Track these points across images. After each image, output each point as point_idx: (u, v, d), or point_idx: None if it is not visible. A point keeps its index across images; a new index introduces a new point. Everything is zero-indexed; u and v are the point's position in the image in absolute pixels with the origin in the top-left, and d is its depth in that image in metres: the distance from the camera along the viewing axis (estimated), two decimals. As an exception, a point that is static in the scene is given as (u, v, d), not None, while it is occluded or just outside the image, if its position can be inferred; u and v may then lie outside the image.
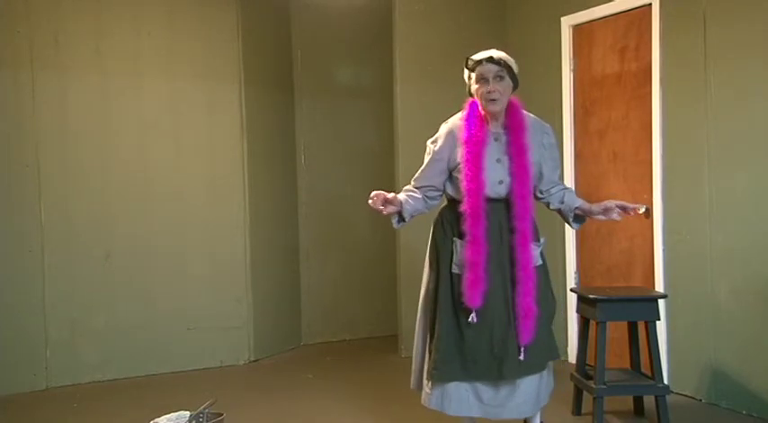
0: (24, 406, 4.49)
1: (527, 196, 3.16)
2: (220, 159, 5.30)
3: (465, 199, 3.12)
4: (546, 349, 3.24)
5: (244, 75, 5.35)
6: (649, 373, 3.89)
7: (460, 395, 3.18)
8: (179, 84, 5.17)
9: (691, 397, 4.30)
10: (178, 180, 5.19)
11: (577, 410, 4.06)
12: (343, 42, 6.15)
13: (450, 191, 3.29)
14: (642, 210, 4.35)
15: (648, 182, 4.53)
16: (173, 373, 5.14)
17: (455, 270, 3.19)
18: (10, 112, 4.74)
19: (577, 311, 4.18)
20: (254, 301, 5.42)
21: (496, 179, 3.15)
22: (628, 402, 4.13)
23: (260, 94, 5.51)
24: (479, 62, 3.15)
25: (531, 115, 3.30)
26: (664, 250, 4.43)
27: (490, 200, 3.13)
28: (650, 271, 4.53)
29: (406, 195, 3.27)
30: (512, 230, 3.15)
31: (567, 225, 3.43)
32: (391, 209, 3.16)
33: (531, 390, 3.22)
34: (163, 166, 5.15)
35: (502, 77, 3.14)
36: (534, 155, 3.20)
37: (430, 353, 3.25)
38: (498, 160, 3.16)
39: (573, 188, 4.89)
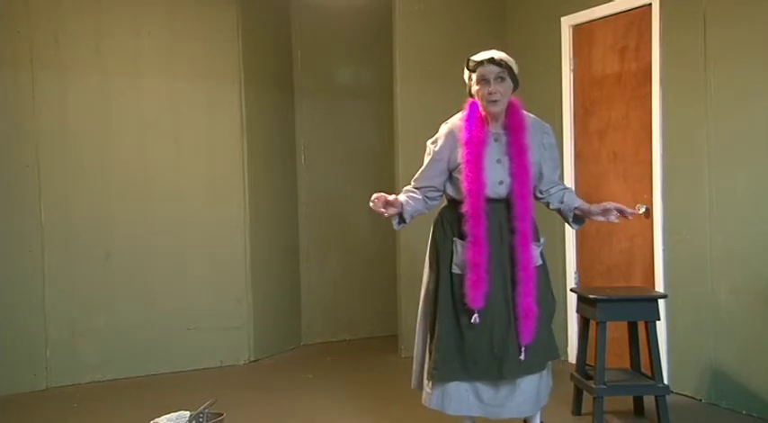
0: (24, 406, 4.49)
1: (527, 196, 3.17)
2: (220, 159, 5.30)
3: (466, 200, 3.12)
4: (546, 349, 3.25)
5: (244, 75, 5.35)
6: (649, 373, 3.89)
7: (460, 395, 3.19)
8: (179, 84, 5.17)
9: (691, 397, 4.31)
10: (178, 180, 5.19)
11: (577, 410, 4.06)
12: (343, 42, 6.15)
13: (450, 191, 3.29)
14: (642, 210, 4.36)
15: (648, 182, 4.53)
16: (173, 373, 5.13)
17: (455, 270, 3.19)
18: (10, 112, 4.74)
19: (577, 311, 4.18)
20: (254, 301, 5.42)
21: (497, 180, 3.15)
22: (628, 402, 4.13)
23: (260, 94, 5.51)
24: (480, 63, 3.15)
25: (531, 115, 3.30)
26: (664, 250, 4.43)
27: (490, 200, 3.14)
28: (650, 271, 4.54)
29: (406, 196, 3.27)
30: (512, 231, 3.15)
31: (566, 225, 3.44)
32: (392, 211, 3.16)
33: (530, 389, 3.22)
34: (163, 166, 5.15)
35: (503, 79, 3.14)
36: (534, 155, 3.20)
37: (430, 353, 3.25)
38: (498, 161, 3.17)
39: (573, 188, 4.90)
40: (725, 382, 4.12)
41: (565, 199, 3.30)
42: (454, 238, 3.22)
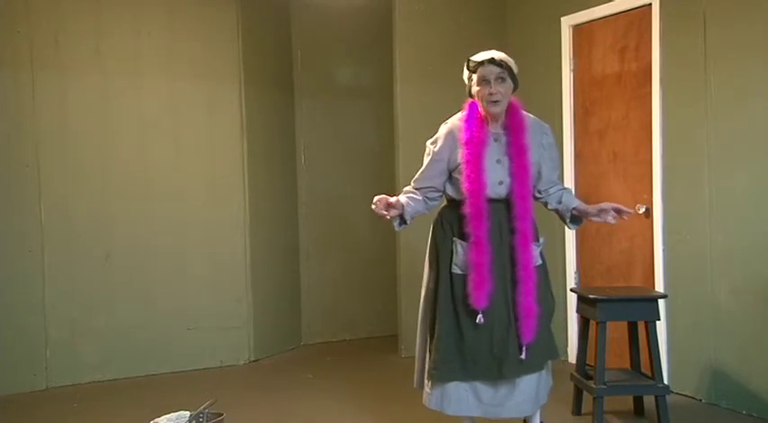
0: (24, 406, 4.49)
1: (527, 196, 3.17)
2: (220, 159, 5.30)
3: (467, 200, 3.12)
4: (545, 349, 3.25)
5: (244, 75, 5.35)
6: (649, 373, 3.89)
7: (460, 395, 3.19)
8: (179, 84, 5.17)
9: (691, 397, 4.30)
10: (178, 180, 5.19)
11: (577, 410, 4.06)
12: (343, 42, 6.15)
13: (449, 191, 3.29)
14: (642, 210, 4.36)
15: (648, 182, 4.53)
16: (173, 373, 5.13)
17: (455, 270, 3.19)
18: (10, 112, 4.74)
19: (577, 311, 4.18)
20: (254, 301, 5.42)
21: (497, 180, 3.15)
22: (628, 402, 4.13)
23: (260, 94, 5.51)
24: (481, 63, 3.15)
25: (531, 115, 3.30)
26: (664, 250, 4.43)
27: (490, 200, 3.14)
28: (650, 271, 4.53)
29: (406, 197, 3.27)
30: (512, 231, 3.15)
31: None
32: (394, 213, 3.16)
33: (530, 389, 3.22)
34: (163, 166, 5.15)
35: (503, 79, 3.14)
36: (534, 155, 3.20)
37: (430, 353, 3.25)
38: (498, 161, 3.17)
39: (572, 188, 4.91)
40: (725, 382, 4.12)
41: (563, 199, 3.30)
42: (454, 239, 3.22)
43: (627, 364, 4.19)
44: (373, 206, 3.10)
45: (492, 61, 3.14)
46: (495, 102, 3.13)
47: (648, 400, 3.98)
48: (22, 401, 4.57)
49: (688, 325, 4.30)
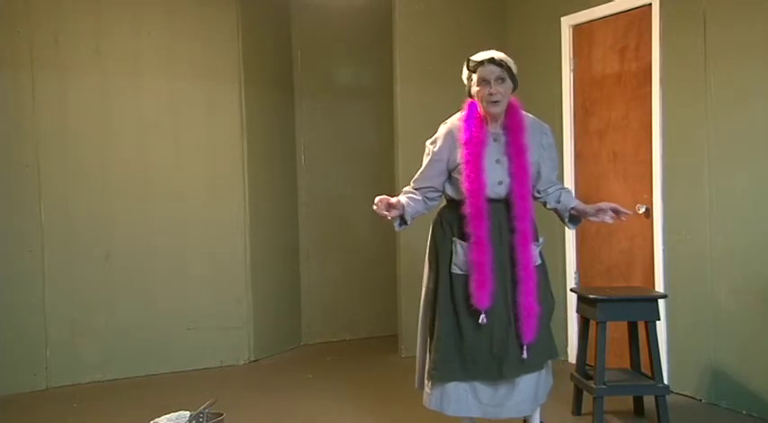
0: (24, 406, 4.49)
1: (527, 196, 3.17)
2: (220, 159, 5.31)
3: (467, 200, 3.12)
4: (545, 348, 3.25)
5: (244, 75, 5.35)
6: (649, 373, 3.89)
7: (459, 395, 3.19)
8: (179, 84, 5.17)
9: (691, 397, 4.30)
10: (178, 180, 5.19)
11: (577, 410, 4.06)
12: (343, 42, 6.15)
13: (449, 191, 3.29)
14: (642, 210, 4.36)
15: (648, 182, 4.53)
16: (173, 373, 5.14)
17: (455, 270, 3.19)
18: (10, 112, 4.74)
19: (577, 311, 4.18)
20: (254, 301, 5.42)
21: (496, 180, 3.15)
22: (628, 402, 4.13)
23: (260, 94, 5.51)
24: (481, 63, 3.15)
25: (530, 115, 3.30)
26: (664, 250, 4.43)
27: (490, 200, 3.14)
28: (650, 271, 4.53)
29: (406, 198, 3.27)
30: (512, 230, 3.15)
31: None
32: (395, 213, 3.16)
33: (529, 388, 3.22)
34: (163, 166, 5.15)
35: (503, 79, 3.14)
36: (533, 155, 3.20)
37: (430, 353, 3.25)
38: (498, 161, 3.17)
39: (572, 188, 4.91)
40: (725, 382, 4.12)
41: (562, 199, 3.31)
42: (453, 239, 3.22)
43: (627, 364, 4.19)
44: (375, 207, 3.10)
45: (492, 61, 3.14)
46: (495, 102, 3.13)
47: (648, 400, 3.98)
48: (22, 401, 4.57)
49: (688, 325, 4.30)
